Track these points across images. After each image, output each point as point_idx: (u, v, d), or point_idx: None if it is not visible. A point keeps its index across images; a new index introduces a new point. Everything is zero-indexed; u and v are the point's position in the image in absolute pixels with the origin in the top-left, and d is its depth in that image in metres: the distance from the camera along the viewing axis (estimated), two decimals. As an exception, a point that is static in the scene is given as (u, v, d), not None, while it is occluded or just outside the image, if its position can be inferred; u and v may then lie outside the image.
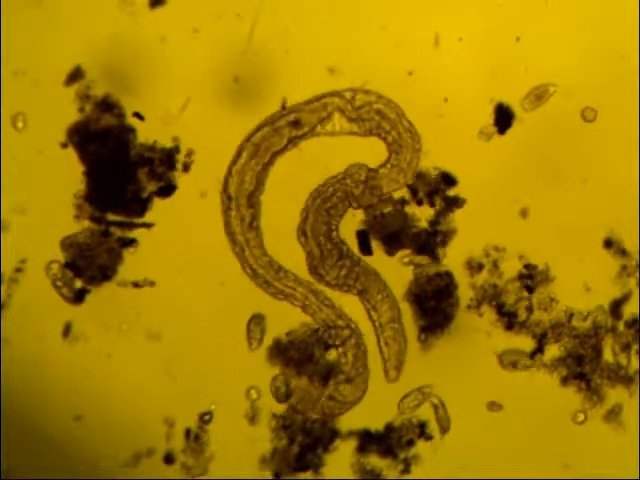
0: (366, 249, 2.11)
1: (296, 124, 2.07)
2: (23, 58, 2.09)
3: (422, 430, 2.14)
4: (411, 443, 2.15)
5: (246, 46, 2.10)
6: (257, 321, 2.11)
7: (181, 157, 2.13)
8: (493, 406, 2.12)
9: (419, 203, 2.07)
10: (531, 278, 2.08)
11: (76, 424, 2.14)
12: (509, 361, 2.10)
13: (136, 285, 2.12)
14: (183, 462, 2.15)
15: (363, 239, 2.11)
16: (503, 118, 2.07)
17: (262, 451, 2.16)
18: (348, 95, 2.07)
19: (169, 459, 2.33)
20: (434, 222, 2.08)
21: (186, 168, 2.09)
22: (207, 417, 2.12)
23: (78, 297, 2.13)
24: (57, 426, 2.12)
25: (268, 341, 2.27)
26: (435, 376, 2.19)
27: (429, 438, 2.13)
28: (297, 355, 2.09)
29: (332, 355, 2.15)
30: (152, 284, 2.11)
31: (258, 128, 2.09)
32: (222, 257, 2.16)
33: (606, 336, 2.15)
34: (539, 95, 2.06)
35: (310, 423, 2.14)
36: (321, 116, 2.09)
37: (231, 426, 2.16)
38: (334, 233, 2.08)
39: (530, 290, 2.08)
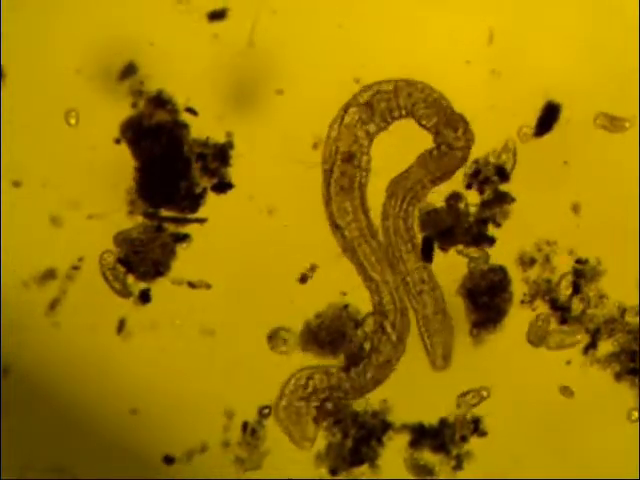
0: (427, 256, 2.19)
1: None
2: (79, 55, 2.16)
3: (476, 426, 2.24)
4: (464, 439, 2.23)
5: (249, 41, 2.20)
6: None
7: (235, 153, 2.19)
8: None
9: (468, 187, 2.15)
10: (580, 275, 2.17)
11: (132, 417, 2.22)
12: (555, 343, 2.20)
13: (192, 285, 2.22)
14: (237, 455, 2.24)
15: (427, 246, 2.20)
16: (548, 118, 2.16)
17: (317, 447, 2.23)
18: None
19: (169, 459, 2.46)
20: (481, 211, 2.16)
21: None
22: (266, 411, 2.22)
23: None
24: (113, 419, 2.22)
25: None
26: (487, 370, 2.22)
27: (483, 434, 2.23)
28: (329, 337, 2.19)
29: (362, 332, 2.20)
30: (208, 286, 2.21)
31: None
32: (275, 253, 2.21)
33: (659, 332, 2.24)
34: (613, 119, 2.16)
35: (362, 416, 2.23)
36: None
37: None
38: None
39: (577, 288, 2.18)
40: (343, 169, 2.24)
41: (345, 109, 2.24)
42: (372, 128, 2.25)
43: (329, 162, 2.24)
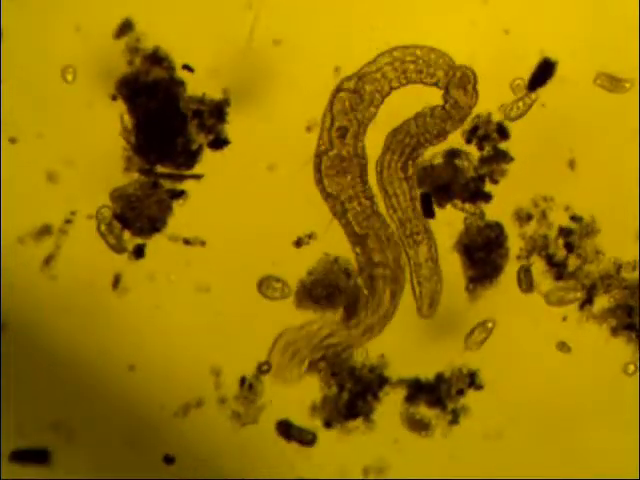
0: (429, 212, 2.22)
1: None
2: (76, 12, 2.18)
3: (472, 380, 2.26)
4: (461, 393, 2.25)
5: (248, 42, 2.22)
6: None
7: (231, 110, 2.21)
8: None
9: (468, 141, 2.17)
10: (575, 232, 2.19)
11: (130, 374, 2.25)
12: (556, 298, 2.23)
13: (187, 242, 2.24)
14: (234, 410, 2.26)
15: (426, 202, 2.22)
16: (542, 74, 2.19)
17: (312, 399, 2.25)
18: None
19: (169, 459, 2.51)
20: (479, 167, 2.18)
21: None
22: (265, 367, 2.24)
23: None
24: (111, 376, 2.25)
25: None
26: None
27: (479, 388, 2.25)
28: (324, 291, 2.22)
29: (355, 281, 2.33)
30: (203, 244, 2.24)
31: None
32: (270, 210, 2.24)
33: (655, 286, 2.26)
34: (613, 79, 2.18)
35: (359, 370, 2.26)
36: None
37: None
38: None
39: (570, 246, 2.20)
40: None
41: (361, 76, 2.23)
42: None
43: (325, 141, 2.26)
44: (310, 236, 2.30)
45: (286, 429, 2.39)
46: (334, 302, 2.34)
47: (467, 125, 2.30)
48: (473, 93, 2.27)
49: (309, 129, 2.30)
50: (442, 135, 2.28)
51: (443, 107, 2.28)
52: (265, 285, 2.35)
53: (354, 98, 2.28)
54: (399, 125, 2.29)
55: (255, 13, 2.34)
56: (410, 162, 2.28)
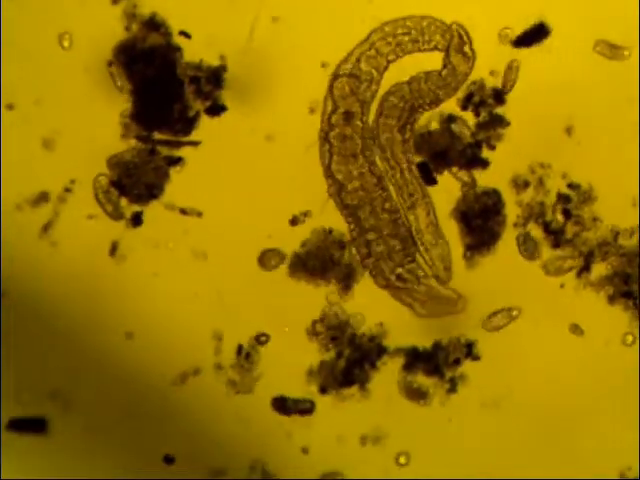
0: (429, 179, 2.23)
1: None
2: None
3: (469, 350, 2.27)
4: (458, 362, 2.27)
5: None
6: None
7: (228, 75, 2.21)
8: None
9: (464, 108, 2.18)
10: (569, 201, 2.21)
11: (128, 342, 2.26)
12: (553, 266, 2.24)
13: (184, 212, 2.25)
14: (230, 378, 2.28)
15: (425, 171, 2.23)
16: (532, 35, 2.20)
17: (310, 365, 2.27)
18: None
19: (169, 459, 2.54)
20: (475, 133, 2.20)
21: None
22: (263, 338, 2.26)
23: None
24: (109, 343, 2.26)
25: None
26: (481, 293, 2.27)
27: (476, 358, 2.26)
28: (318, 262, 2.24)
29: (349, 253, 2.25)
30: (199, 214, 2.25)
31: None
32: (268, 177, 2.25)
33: (652, 253, 2.28)
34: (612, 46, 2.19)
35: (359, 338, 2.27)
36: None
37: (281, 342, 2.28)
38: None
39: (568, 215, 2.21)
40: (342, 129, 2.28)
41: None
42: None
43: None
44: (306, 214, 2.31)
45: (282, 405, 2.40)
46: (327, 273, 2.35)
47: (462, 92, 2.28)
48: (471, 57, 2.26)
49: (312, 110, 2.29)
50: (436, 101, 2.29)
51: (439, 73, 2.28)
52: (262, 254, 2.34)
53: (352, 82, 2.29)
54: (392, 88, 2.29)
55: (255, 13, 2.34)
56: (408, 126, 2.28)
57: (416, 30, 2.33)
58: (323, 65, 2.33)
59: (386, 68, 2.36)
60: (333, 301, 2.39)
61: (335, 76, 2.39)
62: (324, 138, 2.31)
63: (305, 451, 2.44)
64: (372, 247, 2.36)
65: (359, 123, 2.32)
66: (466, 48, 2.31)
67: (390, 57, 2.34)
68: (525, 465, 2.44)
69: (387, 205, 2.34)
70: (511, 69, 2.32)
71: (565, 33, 2.37)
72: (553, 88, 2.37)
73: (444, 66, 2.33)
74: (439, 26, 2.33)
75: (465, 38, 2.32)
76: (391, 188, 2.36)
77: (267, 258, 2.39)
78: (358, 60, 2.33)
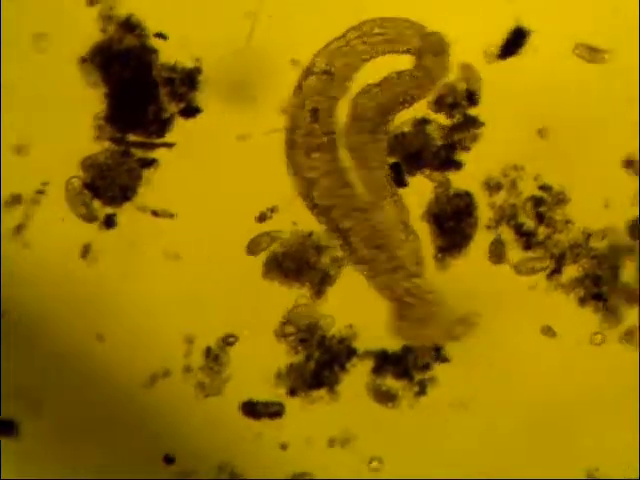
0: (400, 181, 2.26)
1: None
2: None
3: (438, 352, 2.29)
4: (427, 367, 2.28)
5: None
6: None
7: (203, 77, 2.26)
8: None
9: (437, 110, 2.22)
10: (544, 202, 2.24)
11: (98, 343, 2.27)
12: (525, 268, 2.28)
13: (155, 214, 2.27)
14: (199, 380, 2.28)
15: (397, 171, 2.26)
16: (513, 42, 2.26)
17: (279, 367, 2.28)
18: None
19: (169, 459, 2.60)
20: (449, 135, 2.24)
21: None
22: (232, 339, 2.27)
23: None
24: (80, 345, 2.27)
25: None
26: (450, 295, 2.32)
27: (445, 360, 2.27)
28: (294, 265, 2.26)
29: (327, 259, 2.29)
30: (171, 216, 2.26)
31: None
32: (241, 178, 2.28)
33: (624, 257, 2.29)
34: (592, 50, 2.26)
35: (328, 340, 2.29)
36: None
37: (251, 344, 2.30)
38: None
39: (540, 217, 2.24)
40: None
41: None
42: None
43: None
44: (272, 210, 2.33)
45: (251, 409, 2.41)
46: (302, 277, 2.36)
47: (434, 94, 2.32)
48: (446, 62, 2.30)
49: (284, 110, 2.34)
50: (408, 102, 2.33)
51: (412, 73, 2.31)
52: (235, 255, 2.37)
53: (325, 79, 2.32)
54: (364, 89, 2.32)
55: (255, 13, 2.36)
56: (381, 127, 2.31)
57: (393, 31, 2.36)
58: (294, 62, 2.35)
59: (359, 67, 2.37)
60: (303, 303, 2.39)
61: (307, 72, 2.37)
62: (291, 135, 2.34)
63: (274, 453, 2.43)
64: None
65: (328, 120, 2.34)
66: (443, 57, 2.34)
67: (364, 56, 2.37)
68: (495, 466, 2.46)
69: (357, 204, 2.36)
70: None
71: (543, 36, 2.43)
72: (527, 90, 2.42)
73: (416, 67, 2.35)
74: (417, 30, 2.36)
75: (444, 47, 2.34)
76: (360, 187, 2.37)
77: (240, 259, 2.40)
78: (332, 56, 2.35)
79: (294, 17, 2.50)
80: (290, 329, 2.57)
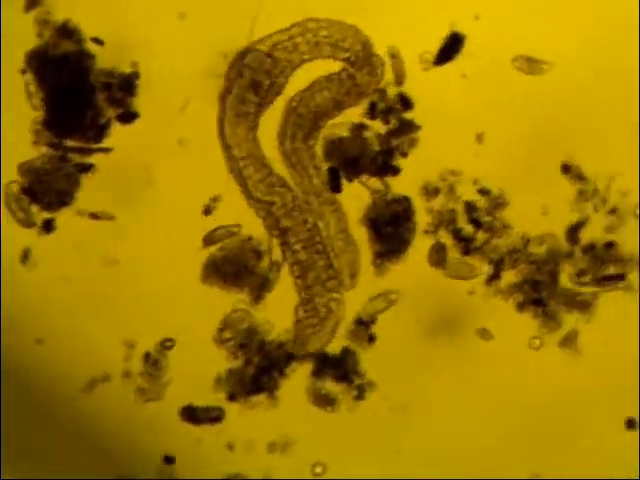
0: (335, 186, 2.26)
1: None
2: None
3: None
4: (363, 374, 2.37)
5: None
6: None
7: (141, 82, 2.26)
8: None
9: (373, 117, 2.21)
10: (480, 208, 2.24)
11: (37, 347, 2.28)
12: (463, 273, 2.29)
13: (94, 217, 2.28)
14: (139, 386, 2.30)
15: (333, 176, 2.26)
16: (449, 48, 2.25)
17: (218, 372, 2.29)
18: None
19: (169, 459, 2.61)
20: (386, 140, 2.24)
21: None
22: (169, 343, 2.28)
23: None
24: (18, 349, 2.28)
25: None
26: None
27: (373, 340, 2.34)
28: (232, 269, 2.26)
29: (266, 263, 2.29)
30: (110, 218, 2.27)
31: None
32: (179, 181, 2.29)
33: (563, 262, 2.29)
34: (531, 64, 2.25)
35: (268, 345, 2.30)
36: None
37: (190, 349, 2.30)
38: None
39: (478, 222, 2.24)
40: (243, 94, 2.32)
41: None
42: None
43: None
44: (215, 199, 2.34)
45: (191, 414, 2.42)
46: (241, 281, 2.37)
47: (368, 100, 2.33)
48: (381, 71, 2.30)
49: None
50: (339, 108, 2.32)
51: (340, 80, 2.31)
52: (174, 259, 2.38)
53: (269, 61, 2.32)
54: (295, 96, 2.33)
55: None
56: (313, 133, 2.31)
57: (336, 36, 2.35)
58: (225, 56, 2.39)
59: (298, 65, 2.38)
60: (242, 308, 2.40)
61: (249, 49, 2.47)
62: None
63: (214, 457, 2.45)
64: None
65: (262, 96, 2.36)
66: (377, 71, 2.34)
67: (305, 56, 2.37)
68: (435, 468, 2.45)
69: (297, 204, 2.38)
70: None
71: (480, 41, 2.39)
72: (464, 95, 2.39)
73: (346, 72, 2.35)
74: (361, 38, 2.35)
75: (378, 62, 2.35)
76: (299, 195, 2.39)
77: (179, 263, 2.41)
78: (274, 46, 2.36)
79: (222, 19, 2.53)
80: (228, 334, 2.58)
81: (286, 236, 2.54)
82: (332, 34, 2.50)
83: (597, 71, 2.52)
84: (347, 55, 2.50)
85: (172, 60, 2.54)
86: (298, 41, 2.51)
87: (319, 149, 2.54)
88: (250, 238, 2.59)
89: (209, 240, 2.56)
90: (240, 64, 2.50)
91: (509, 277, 2.61)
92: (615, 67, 2.52)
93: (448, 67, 2.53)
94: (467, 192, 2.58)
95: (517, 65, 2.54)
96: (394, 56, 2.52)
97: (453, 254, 2.58)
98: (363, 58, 2.49)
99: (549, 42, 2.53)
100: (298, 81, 2.53)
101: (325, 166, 2.55)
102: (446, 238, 2.59)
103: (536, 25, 2.53)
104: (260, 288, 2.58)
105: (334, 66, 2.54)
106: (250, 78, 2.51)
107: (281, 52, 2.52)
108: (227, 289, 2.58)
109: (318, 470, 2.62)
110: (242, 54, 2.51)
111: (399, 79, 2.52)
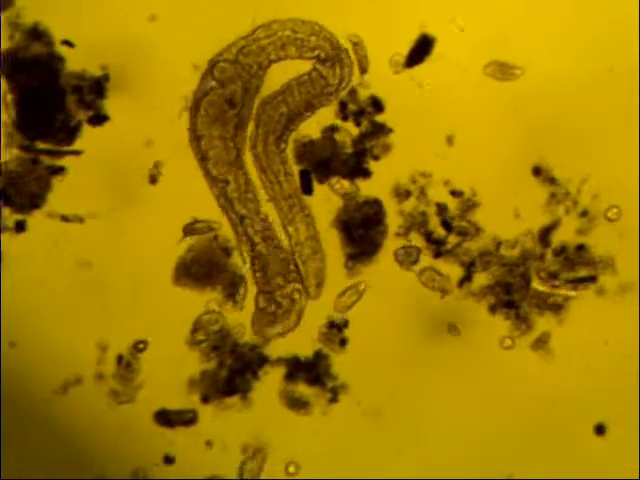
0: (307, 188, 2.27)
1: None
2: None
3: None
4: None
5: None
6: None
7: (110, 85, 2.26)
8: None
9: (344, 118, 2.21)
10: (451, 211, 2.25)
11: (10, 350, 2.29)
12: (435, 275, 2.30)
13: (65, 219, 2.28)
14: (112, 388, 2.31)
15: (305, 179, 2.26)
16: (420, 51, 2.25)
17: (191, 374, 2.30)
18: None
19: (169, 459, 2.63)
20: (358, 142, 2.24)
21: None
22: (142, 345, 2.29)
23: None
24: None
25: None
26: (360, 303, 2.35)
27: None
28: (203, 269, 2.27)
29: (236, 259, 2.31)
30: (81, 220, 2.28)
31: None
32: (150, 185, 2.31)
33: (534, 264, 2.30)
34: (504, 69, 2.24)
35: (241, 347, 2.31)
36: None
37: (163, 351, 2.31)
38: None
39: (449, 225, 2.24)
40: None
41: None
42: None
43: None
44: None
45: (165, 418, 2.44)
46: (213, 280, 2.38)
47: (336, 102, 2.33)
48: (347, 74, 2.30)
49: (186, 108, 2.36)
50: (311, 109, 2.31)
51: (311, 81, 2.31)
52: (146, 262, 2.39)
53: (236, 67, 2.32)
54: (265, 98, 2.33)
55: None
56: (284, 136, 2.31)
57: (303, 35, 2.35)
58: (196, 67, 2.37)
59: (268, 66, 2.38)
60: (214, 309, 2.41)
61: (214, 62, 2.47)
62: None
63: (188, 459, 2.46)
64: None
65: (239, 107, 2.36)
66: (345, 70, 2.34)
67: (272, 57, 2.37)
68: (408, 470, 2.47)
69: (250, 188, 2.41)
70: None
71: (450, 43, 2.39)
72: (434, 98, 2.39)
73: (316, 72, 2.35)
74: (327, 37, 2.35)
75: (346, 61, 2.34)
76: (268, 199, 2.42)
77: (151, 265, 2.42)
78: (240, 52, 2.35)
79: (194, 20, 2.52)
80: (201, 336, 2.59)
81: (244, 225, 2.55)
82: (297, 34, 2.49)
83: (568, 75, 2.53)
84: (316, 54, 2.50)
85: (142, 62, 2.56)
86: (264, 43, 2.51)
87: (290, 152, 2.55)
88: (216, 237, 2.59)
89: (188, 231, 2.57)
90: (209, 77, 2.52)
91: (481, 279, 2.62)
92: (586, 72, 2.52)
93: (419, 69, 2.53)
94: (438, 195, 2.60)
95: (489, 71, 2.54)
96: (357, 45, 2.52)
97: (425, 257, 2.58)
98: (332, 56, 2.48)
99: (521, 46, 2.54)
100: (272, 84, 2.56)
101: (296, 169, 2.55)
102: (417, 240, 2.59)
103: (508, 29, 2.53)
104: (232, 285, 2.58)
105: (307, 65, 2.56)
106: (220, 94, 2.52)
107: (246, 57, 2.51)
108: (200, 289, 2.59)
109: (292, 469, 2.64)
110: (211, 66, 2.52)
111: (369, 82, 2.53)
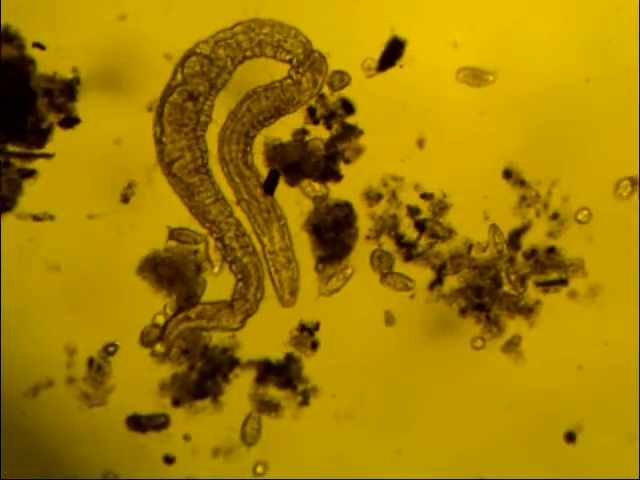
0: (270, 189, 2.27)
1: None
2: None
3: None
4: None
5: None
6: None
7: (81, 88, 2.27)
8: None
9: (315, 122, 2.22)
10: (422, 213, 2.26)
11: (-22, 355, 2.39)
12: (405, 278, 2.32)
13: (36, 218, 2.31)
14: (83, 391, 2.32)
15: (272, 179, 2.27)
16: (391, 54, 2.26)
17: (162, 377, 2.31)
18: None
19: (169, 460, 2.63)
20: (330, 145, 2.25)
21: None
22: (112, 349, 2.30)
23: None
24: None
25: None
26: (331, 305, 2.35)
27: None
28: (169, 273, 2.28)
29: (204, 278, 2.32)
30: (52, 218, 2.30)
31: None
32: (119, 186, 2.31)
33: (504, 267, 2.31)
34: (476, 74, 2.25)
35: (211, 350, 2.32)
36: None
37: (133, 355, 2.33)
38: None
39: (422, 227, 2.26)
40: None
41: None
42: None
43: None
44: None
45: (136, 423, 2.45)
46: (172, 287, 2.39)
47: (304, 108, 2.35)
48: (320, 78, 2.32)
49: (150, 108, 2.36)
50: (278, 114, 2.33)
51: (281, 86, 2.33)
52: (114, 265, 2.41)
53: (205, 62, 2.33)
54: (238, 103, 2.36)
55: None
56: (251, 140, 2.33)
57: (278, 38, 2.36)
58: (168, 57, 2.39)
59: (241, 62, 2.38)
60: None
61: (190, 54, 2.48)
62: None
63: (159, 463, 2.47)
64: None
65: (201, 104, 2.37)
66: (318, 77, 2.35)
67: (247, 53, 2.38)
68: (380, 472, 2.48)
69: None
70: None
71: (421, 47, 2.40)
72: (404, 101, 2.41)
73: (290, 79, 2.37)
74: (303, 42, 2.36)
75: (322, 67, 2.36)
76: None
77: (121, 267, 2.44)
78: (217, 44, 2.36)
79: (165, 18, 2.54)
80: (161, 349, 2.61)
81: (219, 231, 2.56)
82: (274, 34, 2.51)
83: (539, 80, 2.54)
84: (290, 57, 2.51)
85: (114, 63, 2.57)
86: (240, 39, 2.52)
87: (260, 155, 2.56)
88: (196, 251, 2.63)
89: (174, 235, 2.58)
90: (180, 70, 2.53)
91: (452, 282, 2.64)
92: (558, 76, 2.53)
93: (390, 73, 2.55)
94: (409, 198, 2.61)
95: (461, 77, 2.55)
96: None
97: (396, 260, 2.60)
98: (304, 61, 2.50)
99: (493, 51, 2.56)
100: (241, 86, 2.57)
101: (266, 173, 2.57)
102: (388, 244, 2.61)
103: (480, 32, 2.55)
104: (186, 300, 2.60)
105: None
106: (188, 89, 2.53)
107: (223, 50, 2.53)
108: (157, 289, 2.60)
109: (260, 470, 2.66)
110: (185, 57, 2.53)
111: (340, 85, 2.54)
